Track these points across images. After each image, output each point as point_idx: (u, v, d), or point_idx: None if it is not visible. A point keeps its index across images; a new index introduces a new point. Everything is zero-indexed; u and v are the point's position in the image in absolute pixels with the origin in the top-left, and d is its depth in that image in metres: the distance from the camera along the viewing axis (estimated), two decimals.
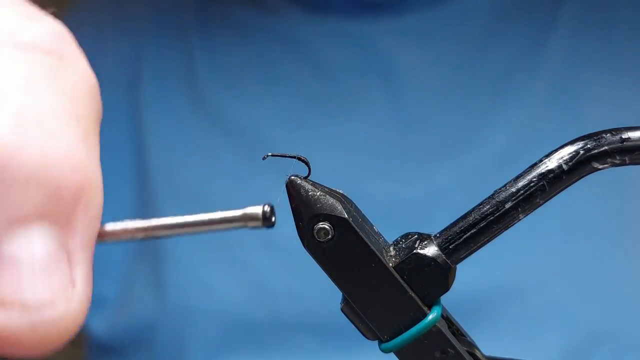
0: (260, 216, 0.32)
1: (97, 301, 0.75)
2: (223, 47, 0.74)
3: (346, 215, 0.32)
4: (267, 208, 0.32)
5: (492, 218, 0.32)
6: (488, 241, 0.32)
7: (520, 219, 0.32)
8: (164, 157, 0.72)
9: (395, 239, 0.34)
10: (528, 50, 0.71)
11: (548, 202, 0.32)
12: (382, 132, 0.70)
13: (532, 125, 0.69)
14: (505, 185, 0.32)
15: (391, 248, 0.33)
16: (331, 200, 0.32)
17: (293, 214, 0.33)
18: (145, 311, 0.71)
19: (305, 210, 0.32)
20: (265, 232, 0.66)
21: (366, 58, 0.71)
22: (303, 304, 0.67)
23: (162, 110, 0.73)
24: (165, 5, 0.77)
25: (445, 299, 0.33)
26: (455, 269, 0.33)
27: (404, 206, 0.68)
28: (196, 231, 0.32)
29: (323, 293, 0.66)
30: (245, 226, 0.32)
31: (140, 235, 0.31)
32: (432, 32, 0.72)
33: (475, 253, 0.32)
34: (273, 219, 0.32)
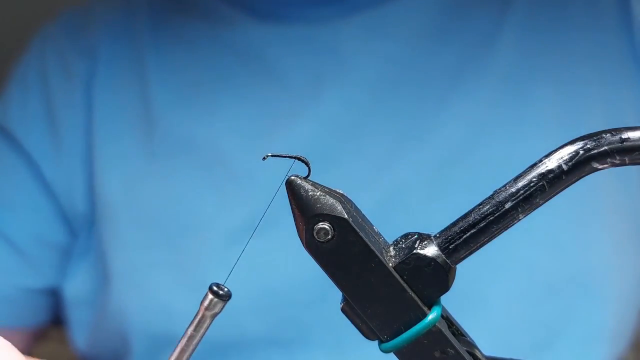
0: (215, 299, 0.34)
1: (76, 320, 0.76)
2: (175, 61, 0.73)
3: (346, 215, 0.32)
4: (214, 289, 0.34)
5: (492, 218, 0.32)
6: (488, 241, 0.32)
7: (520, 219, 0.32)
8: (118, 178, 0.72)
9: (395, 239, 0.34)
10: (480, 43, 0.70)
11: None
12: (338, 132, 0.69)
13: (486, 117, 0.69)
14: (505, 185, 0.32)
15: (391, 248, 0.33)
16: (331, 200, 0.32)
17: (293, 214, 0.33)
18: (113, 336, 0.71)
19: (305, 210, 0.32)
20: (225, 252, 0.66)
21: (318, 60, 0.71)
22: (268, 320, 0.67)
23: (114, 130, 0.73)
24: (117, 21, 0.77)
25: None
26: (455, 269, 0.33)
27: (365, 206, 0.66)
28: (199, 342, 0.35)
29: (289, 307, 0.66)
30: (217, 312, 0.34)
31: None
32: (383, 28, 0.71)
33: None
34: (225, 290, 0.34)
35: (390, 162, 0.68)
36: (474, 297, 0.65)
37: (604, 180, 0.69)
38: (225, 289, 0.34)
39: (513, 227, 0.65)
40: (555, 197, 0.66)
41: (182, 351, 0.35)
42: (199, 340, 0.35)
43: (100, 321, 0.72)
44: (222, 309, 0.34)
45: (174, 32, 0.75)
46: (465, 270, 0.64)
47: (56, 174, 0.74)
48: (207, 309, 0.34)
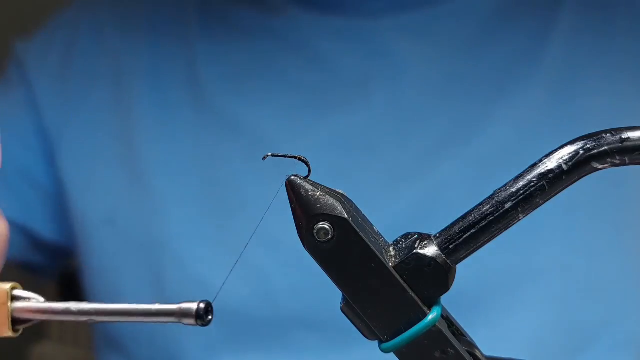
0: (194, 314, 0.32)
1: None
2: (224, 47, 0.74)
3: (346, 215, 0.32)
4: (202, 305, 0.33)
5: (492, 218, 0.32)
6: (488, 241, 0.32)
7: (520, 219, 0.32)
8: (163, 158, 0.72)
9: (395, 238, 0.34)
10: (528, 47, 0.71)
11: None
12: (384, 127, 0.70)
13: (533, 119, 0.69)
14: (505, 185, 0.32)
15: (391, 248, 0.33)
16: (331, 200, 0.32)
17: (293, 214, 0.33)
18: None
19: (305, 210, 0.32)
20: (266, 229, 0.67)
21: (367, 54, 0.71)
22: (304, 300, 0.67)
23: (161, 109, 0.73)
24: (165, 4, 0.77)
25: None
26: (455, 269, 0.33)
27: (405, 202, 0.68)
28: (129, 320, 0.33)
29: (324, 290, 0.66)
30: (179, 322, 0.33)
31: (71, 318, 0.33)
32: (433, 28, 0.72)
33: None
34: (209, 317, 0.33)
35: (434, 161, 0.69)
36: (510, 299, 0.66)
37: (631, 194, 0.69)
38: (208, 318, 0.33)
39: (551, 231, 0.66)
40: (594, 202, 0.66)
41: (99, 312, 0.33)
42: (133, 319, 0.33)
43: (125, 293, 0.73)
44: (185, 324, 0.33)
45: (223, 18, 0.76)
46: (503, 271, 0.65)
47: (56, 124, 0.75)
48: (181, 311, 0.33)
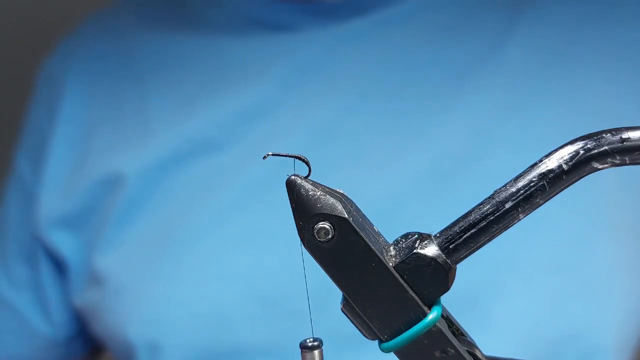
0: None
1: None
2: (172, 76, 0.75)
3: (346, 215, 0.32)
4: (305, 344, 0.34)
5: (492, 218, 0.32)
6: (488, 241, 0.32)
7: (520, 219, 0.32)
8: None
9: (395, 238, 0.34)
10: (487, 49, 0.69)
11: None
12: (335, 138, 0.68)
13: (489, 125, 0.67)
14: (505, 185, 0.32)
15: (391, 248, 0.33)
16: (331, 200, 0.32)
17: (293, 214, 0.33)
18: (120, 347, 0.71)
19: (305, 210, 0.32)
20: (222, 262, 0.66)
21: (321, 63, 0.71)
22: (263, 331, 0.66)
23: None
24: (106, 40, 0.79)
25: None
26: (455, 268, 0.33)
27: (369, 197, 0.66)
28: None
29: (283, 319, 0.66)
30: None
31: None
32: (383, 34, 0.71)
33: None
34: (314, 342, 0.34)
35: (388, 169, 0.67)
36: (476, 315, 0.64)
37: (610, 194, 0.67)
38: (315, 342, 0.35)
39: (516, 246, 0.64)
40: (560, 213, 0.65)
41: None
42: None
43: (105, 333, 0.72)
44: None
45: (167, 46, 0.76)
46: (469, 288, 0.64)
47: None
48: None
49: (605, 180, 0.67)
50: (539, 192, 0.31)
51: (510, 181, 0.32)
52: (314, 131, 0.69)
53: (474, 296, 0.64)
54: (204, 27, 0.76)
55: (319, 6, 0.71)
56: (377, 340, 0.34)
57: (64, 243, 0.74)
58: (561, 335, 0.65)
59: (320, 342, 0.35)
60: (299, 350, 0.35)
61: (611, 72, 0.70)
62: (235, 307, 0.66)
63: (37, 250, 0.77)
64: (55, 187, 0.75)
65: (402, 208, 0.66)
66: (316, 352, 0.35)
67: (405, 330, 0.32)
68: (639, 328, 0.70)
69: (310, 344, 0.35)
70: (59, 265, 0.76)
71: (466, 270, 0.62)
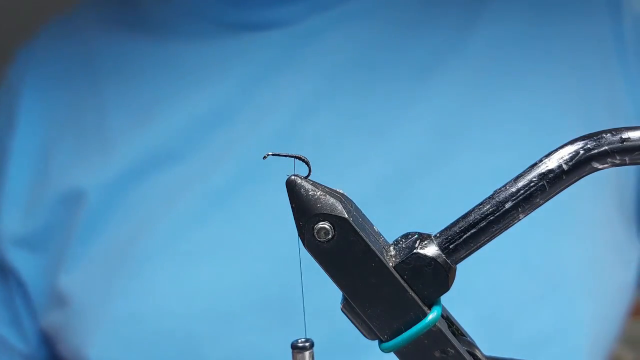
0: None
1: None
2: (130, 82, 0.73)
3: (346, 215, 0.32)
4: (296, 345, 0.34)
5: (492, 218, 0.32)
6: (488, 241, 0.32)
7: (520, 219, 0.32)
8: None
9: (395, 238, 0.34)
10: (449, 44, 0.68)
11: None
12: (296, 141, 0.67)
13: (452, 124, 0.66)
14: (505, 185, 0.32)
15: (391, 248, 0.33)
16: (331, 200, 0.32)
17: (293, 214, 0.33)
18: None
19: (305, 210, 0.32)
20: (179, 275, 0.63)
21: (280, 63, 0.69)
22: (227, 345, 0.63)
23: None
24: (70, 47, 0.76)
25: None
26: (455, 268, 0.33)
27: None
28: None
29: (247, 332, 0.64)
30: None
31: None
32: (342, 32, 0.69)
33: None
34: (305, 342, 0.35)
35: (350, 171, 0.65)
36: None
37: (579, 190, 0.66)
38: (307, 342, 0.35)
39: (485, 247, 0.63)
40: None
41: None
42: None
43: (68, 355, 0.70)
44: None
45: (125, 51, 0.74)
46: None
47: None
48: None
49: None
50: (539, 192, 0.32)
51: (510, 181, 0.32)
52: (274, 134, 0.67)
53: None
54: (158, 29, 0.74)
55: (276, 3, 0.70)
56: (375, 341, 0.34)
57: (25, 263, 0.72)
58: (532, 337, 0.63)
59: (312, 342, 0.35)
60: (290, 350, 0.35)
61: (577, 66, 0.68)
62: (199, 323, 0.64)
63: (5, 267, 0.74)
64: (15, 205, 0.73)
65: (366, 211, 0.64)
66: (307, 353, 0.35)
67: (405, 330, 0.32)
68: (611, 329, 0.68)
69: (301, 344, 0.35)
70: (22, 285, 0.74)
71: None
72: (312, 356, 0.35)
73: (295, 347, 0.35)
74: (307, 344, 0.35)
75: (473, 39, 0.68)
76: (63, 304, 0.69)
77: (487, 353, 0.62)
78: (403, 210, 0.64)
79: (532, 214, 0.64)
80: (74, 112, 0.73)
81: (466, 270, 0.61)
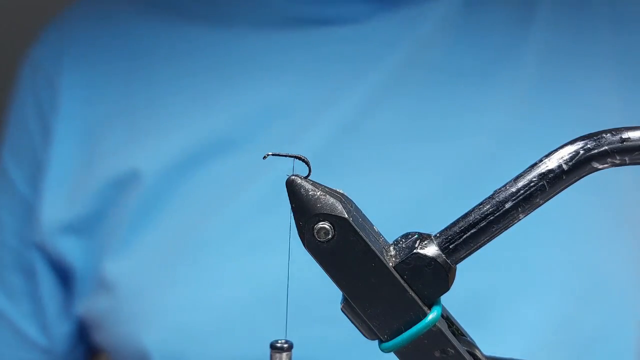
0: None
1: None
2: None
3: (346, 215, 0.32)
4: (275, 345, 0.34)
5: (492, 218, 0.32)
6: (488, 241, 0.32)
7: (520, 219, 0.32)
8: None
9: (395, 238, 0.34)
10: (506, 48, 0.69)
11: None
12: (359, 136, 0.67)
13: (510, 127, 0.67)
14: (505, 185, 0.32)
15: (391, 248, 0.33)
16: (331, 200, 0.32)
17: (293, 214, 0.33)
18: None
19: (305, 210, 0.32)
20: (244, 263, 0.64)
21: (345, 58, 0.69)
22: (293, 336, 0.63)
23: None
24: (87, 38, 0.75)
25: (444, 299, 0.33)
26: (455, 268, 0.33)
27: (387, 216, 0.62)
28: None
29: (309, 323, 0.64)
30: None
31: None
32: (410, 30, 0.69)
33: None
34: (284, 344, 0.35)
35: (414, 168, 0.66)
36: (500, 317, 0.63)
37: (627, 192, 0.67)
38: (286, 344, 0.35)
39: (535, 246, 0.64)
40: (579, 211, 0.64)
41: None
42: None
43: (112, 341, 0.70)
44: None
45: (174, 36, 0.73)
46: (488, 289, 0.63)
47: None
48: None
49: (622, 178, 0.67)
50: (539, 192, 0.32)
51: (510, 181, 0.32)
52: (335, 128, 0.68)
53: (494, 297, 0.63)
54: (219, 17, 0.73)
55: (344, 1, 0.70)
56: (375, 341, 0.34)
57: (71, 249, 0.72)
58: (584, 337, 0.64)
59: (291, 344, 0.35)
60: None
61: (629, 74, 0.70)
62: (265, 311, 0.64)
63: (34, 260, 0.74)
64: (60, 191, 0.72)
65: (429, 209, 0.65)
66: (284, 354, 0.35)
67: (405, 330, 0.32)
68: None
69: (279, 345, 0.35)
70: (61, 274, 0.73)
71: (485, 270, 0.62)
72: (289, 358, 0.35)
73: (273, 347, 0.35)
74: (285, 345, 0.35)
75: (531, 40, 0.69)
76: (111, 291, 0.68)
77: (540, 351, 0.63)
78: (466, 209, 0.64)
79: (583, 218, 0.64)
80: (121, 95, 0.72)
81: (519, 270, 0.62)
